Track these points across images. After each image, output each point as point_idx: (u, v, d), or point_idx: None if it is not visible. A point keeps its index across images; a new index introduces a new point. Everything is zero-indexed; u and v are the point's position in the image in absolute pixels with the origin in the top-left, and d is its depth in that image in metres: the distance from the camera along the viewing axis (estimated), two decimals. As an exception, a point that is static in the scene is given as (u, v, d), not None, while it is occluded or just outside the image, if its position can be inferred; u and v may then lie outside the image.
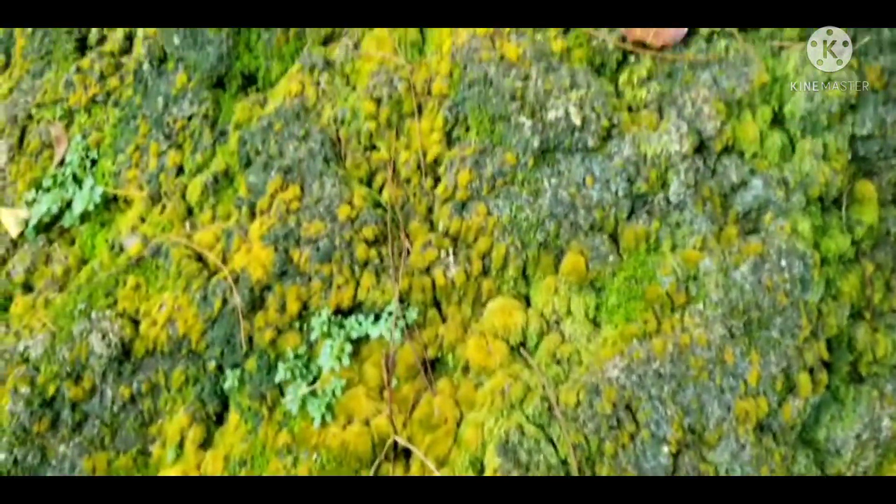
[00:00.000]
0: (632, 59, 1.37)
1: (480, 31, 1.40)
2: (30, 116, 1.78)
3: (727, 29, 1.33)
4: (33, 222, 1.63)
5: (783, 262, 1.26)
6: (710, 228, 1.28)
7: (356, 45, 1.51)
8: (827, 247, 1.31)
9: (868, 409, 1.31)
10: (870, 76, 1.32)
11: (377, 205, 1.41)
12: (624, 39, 1.37)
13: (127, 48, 1.72)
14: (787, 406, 1.24)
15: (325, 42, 1.53)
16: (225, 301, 1.38)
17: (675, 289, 1.27)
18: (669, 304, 1.27)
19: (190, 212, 1.54)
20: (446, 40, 1.45)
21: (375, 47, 1.48)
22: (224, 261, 1.42)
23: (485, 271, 1.34)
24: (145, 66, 1.62)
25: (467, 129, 1.39)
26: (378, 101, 1.44)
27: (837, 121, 1.31)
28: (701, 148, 1.30)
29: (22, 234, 1.66)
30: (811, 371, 1.26)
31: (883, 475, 1.32)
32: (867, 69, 1.32)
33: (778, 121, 1.33)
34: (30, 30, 1.82)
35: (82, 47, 1.78)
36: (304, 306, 1.36)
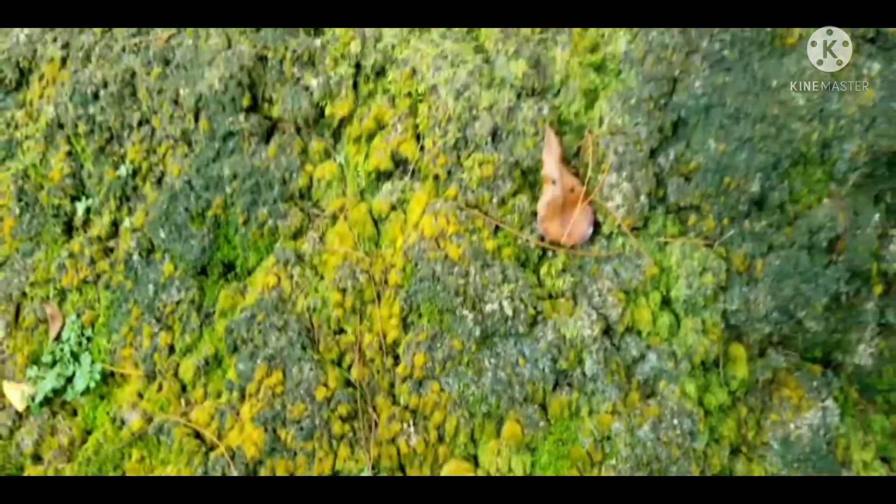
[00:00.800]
0: (550, 254, 1.70)
1: (427, 232, 1.69)
2: (24, 294, 1.98)
3: (623, 228, 1.67)
4: (39, 398, 1.84)
5: (675, 421, 1.60)
6: (618, 395, 1.61)
7: (321, 239, 1.79)
8: (709, 401, 1.66)
9: (747, 527, 1.66)
10: (735, 262, 1.67)
11: (348, 383, 1.69)
12: (542, 239, 1.69)
13: (112, 233, 1.95)
14: (684, 536, 1.58)
15: (295, 237, 1.80)
16: (223, 473, 1.63)
17: (593, 448, 1.59)
18: (589, 461, 1.59)
19: (184, 388, 1.78)
20: (398, 237, 1.74)
21: (338, 242, 1.77)
22: (219, 437, 1.67)
23: (440, 439, 1.64)
24: (135, 257, 1.85)
25: (420, 316, 1.68)
26: (343, 291, 1.72)
27: (712, 301, 1.66)
28: (608, 330, 1.63)
29: (27, 408, 1.87)
30: (701, 505, 1.60)
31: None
32: (733, 256, 1.68)
33: (666, 303, 1.67)
34: (17, 210, 2.02)
35: (69, 229, 2.00)
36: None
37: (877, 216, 1.72)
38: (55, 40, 2.07)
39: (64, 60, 2.04)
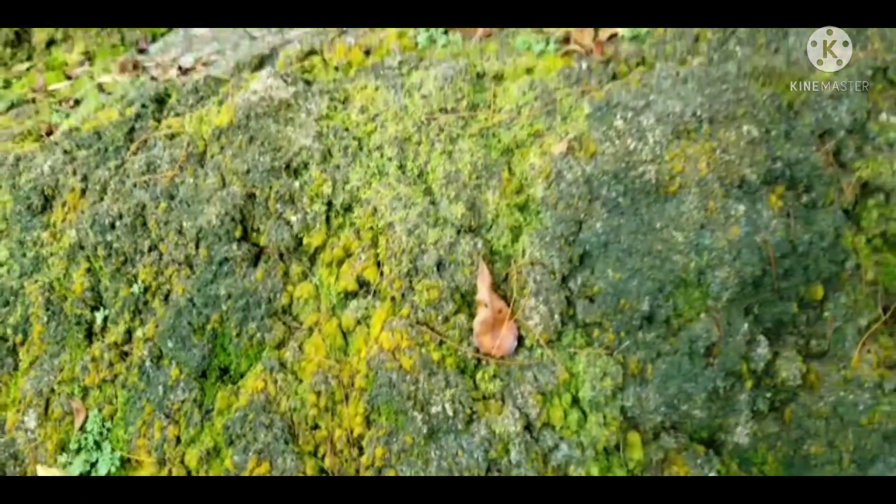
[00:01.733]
0: (483, 363, 2.12)
1: (386, 345, 2.11)
2: (52, 390, 2.37)
3: (541, 342, 2.09)
4: (67, 481, 2.23)
5: (582, 497, 2.01)
6: (536, 478, 2.03)
7: (300, 348, 2.20)
8: (610, 479, 2.08)
9: (642, 580, 2.08)
10: (630, 367, 2.11)
11: (322, 471, 2.10)
12: (478, 350, 2.12)
13: (127, 339, 2.35)
14: (589, 589, 2.00)
15: (279, 347, 2.22)
16: (222, 546, 2.03)
17: (516, 521, 2.01)
18: (513, 532, 2.01)
19: (189, 474, 2.18)
20: (363, 348, 2.16)
21: (314, 352, 2.18)
22: (218, 515, 2.07)
23: (397, 515, 2.05)
24: (147, 363, 2.26)
25: (380, 415, 2.10)
26: (318, 393, 2.13)
27: (612, 399, 2.09)
28: (528, 426, 2.06)
29: (57, 489, 2.25)
30: (603, 564, 2.02)
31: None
32: (629, 362, 2.11)
33: (575, 402, 2.10)
34: (45, 318, 2.42)
35: (90, 335, 2.40)
36: (278, 547, 2.03)
37: (746, 325, 2.16)
38: (75, 173, 2.48)
39: (83, 191, 2.45)
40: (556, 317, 2.09)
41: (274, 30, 3.28)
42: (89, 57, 3.45)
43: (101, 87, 3.15)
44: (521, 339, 2.12)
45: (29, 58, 3.56)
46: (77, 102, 3.20)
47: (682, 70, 2.30)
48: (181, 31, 3.48)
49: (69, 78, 3.41)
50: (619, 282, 2.09)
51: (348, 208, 2.26)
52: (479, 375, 2.11)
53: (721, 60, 2.35)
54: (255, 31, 3.34)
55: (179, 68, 3.15)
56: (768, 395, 2.19)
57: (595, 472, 2.05)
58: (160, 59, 3.27)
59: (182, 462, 2.19)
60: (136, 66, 3.25)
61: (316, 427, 2.14)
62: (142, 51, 3.43)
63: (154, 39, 3.47)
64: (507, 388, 2.10)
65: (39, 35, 3.51)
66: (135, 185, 2.38)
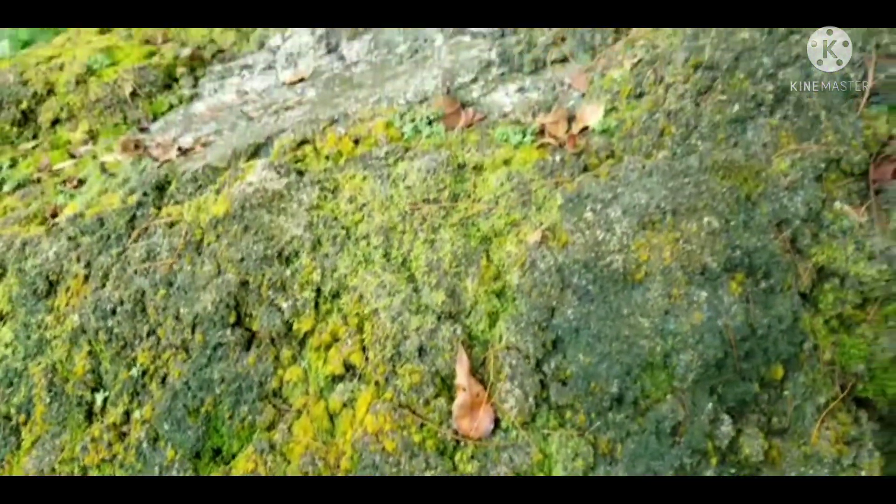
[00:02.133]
0: (462, 444, 2.25)
1: (370, 428, 2.24)
2: (53, 469, 2.48)
3: (516, 424, 2.22)
4: (65, 560, 2.33)
5: (556, 575, 2.12)
6: (513, 556, 2.14)
7: (289, 430, 2.33)
8: (584, 556, 2.18)
9: None
10: (601, 447, 2.23)
11: (310, 550, 2.20)
12: (456, 432, 2.24)
13: (125, 420, 2.47)
14: None
15: (269, 429, 2.34)
16: None
17: None
18: None
19: (182, 552, 2.28)
20: (349, 430, 2.28)
21: (302, 434, 2.30)
22: None
23: None
24: (144, 444, 2.38)
25: (364, 495, 2.21)
26: (306, 475, 2.25)
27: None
28: None
29: (56, 567, 2.35)
30: None
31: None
32: (599, 442, 2.23)
33: (550, 482, 2.22)
34: (48, 399, 2.54)
35: (90, 415, 2.52)
36: None
37: (710, 405, 2.29)
38: (79, 259, 2.63)
39: (86, 277, 2.60)
40: (531, 399, 2.22)
41: (270, 111, 3.47)
42: (93, 136, 3.64)
43: (103, 167, 3.32)
44: (497, 422, 2.25)
45: (35, 136, 3.75)
46: (81, 182, 3.37)
47: (647, 163, 2.48)
48: (181, 110, 3.67)
49: (73, 156, 3.59)
50: (589, 365, 2.22)
51: (336, 295, 2.41)
52: (457, 457, 2.23)
53: (684, 154, 2.53)
54: (252, 112, 3.53)
55: (179, 149, 3.33)
56: (733, 470, 2.31)
57: (569, 549, 2.15)
58: (161, 139, 3.45)
59: (176, 541, 2.28)
60: (137, 145, 3.43)
61: (304, 507, 2.24)
62: (143, 129, 3.61)
63: (155, 118, 3.66)
64: (484, 469, 2.21)
65: (45, 114, 3.70)
66: (135, 272, 2.53)
